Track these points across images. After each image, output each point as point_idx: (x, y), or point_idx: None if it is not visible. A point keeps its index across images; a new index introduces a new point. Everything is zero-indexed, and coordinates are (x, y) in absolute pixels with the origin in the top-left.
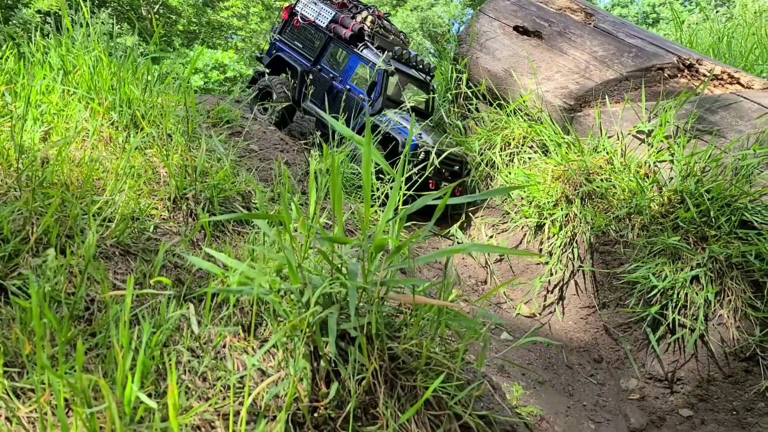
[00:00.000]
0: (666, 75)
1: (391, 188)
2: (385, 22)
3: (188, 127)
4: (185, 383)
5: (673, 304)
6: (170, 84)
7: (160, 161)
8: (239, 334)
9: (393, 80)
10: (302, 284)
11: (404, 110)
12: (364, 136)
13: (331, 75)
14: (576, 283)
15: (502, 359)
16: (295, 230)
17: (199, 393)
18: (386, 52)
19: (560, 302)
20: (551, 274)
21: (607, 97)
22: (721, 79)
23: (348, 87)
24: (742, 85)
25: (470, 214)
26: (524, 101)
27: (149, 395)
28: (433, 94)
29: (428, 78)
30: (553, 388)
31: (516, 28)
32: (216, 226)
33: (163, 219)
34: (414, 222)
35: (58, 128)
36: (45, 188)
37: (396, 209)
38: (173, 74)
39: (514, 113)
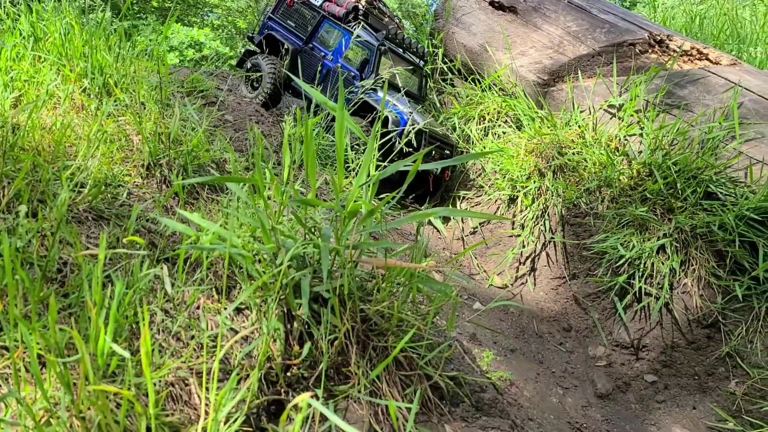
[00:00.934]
0: (637, 50)
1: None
2: (379, 3)
3: (161, 94)
4: (159, 342)
5: (640, 274)
6: (143, 52)
7: (134, 128)
8: (213, 296)
9: (386, 61)
10: (276, 246)
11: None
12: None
13: (323, 53)
14: (547, 255)
15: (475, 325)
16: (270, 198)
17: (173, 352)
18: (380, 32)
19: (532, 273)
20: (523, 246)
21: (579, 72)
22: (691, 54)
23: (340, 65)
24: (711, 61)
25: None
26: (499, 76)
27: (130, 354)
28: (427, 78)
29: (421, 62)
30: (523, 356)
31: (491, 3)
32: (190, 193)
33: (137, 185)
34: (401, 203)
35: (29, 95)
36: (16, 153)
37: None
38: (146, 41)
39: (489, 88)
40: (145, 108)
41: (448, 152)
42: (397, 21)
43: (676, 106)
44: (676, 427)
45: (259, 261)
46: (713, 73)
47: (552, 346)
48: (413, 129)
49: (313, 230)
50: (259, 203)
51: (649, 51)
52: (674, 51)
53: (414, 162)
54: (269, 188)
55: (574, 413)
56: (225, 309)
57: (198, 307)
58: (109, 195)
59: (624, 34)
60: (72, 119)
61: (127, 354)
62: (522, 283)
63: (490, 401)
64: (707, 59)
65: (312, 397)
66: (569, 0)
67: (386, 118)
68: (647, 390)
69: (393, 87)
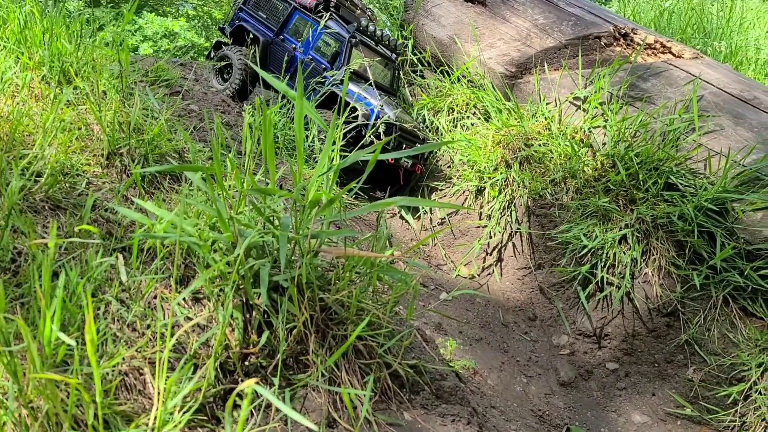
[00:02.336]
0: (602, 43)
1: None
2: None
3: (122, 83)
4: (113, 331)
5: (603, 264)
6: (105, 39)
7: (94, 117)
8: (171, 286)
9: (357, 53)
10: (234, 236)
11: (368, 84)
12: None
13: (294, 45)
14: (513, 245)
15: (441, 315)
16: (231, 188)
17: (127, 341)
18: (351, 24)
19: (498, 264)
20: (490, 237)
21: (546, 64)
22: (654, 48)
23: (310, 57)
24: (674, 55)
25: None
26: (468, 68)
27: (76, 342)
28: (399, 72)
29: (394, 55)
30: (488, 345)
31: None
32: (152, 182)
33: (96, 175)
34: (372, 197)
35: None
36: None
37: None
38: (109, 29)
39: (458, 80)
40: (106, 97)
41: (419, 146)
42: (370, 13)
43: (639, 98)
44: (635, 414)
45: (216, 251)
46: (675, 66)
47: (517, 335)
48: (381, 122)
49: (272, 219)
50: (218, 192)
51: (614, 44)
52: (638, 44)
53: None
54: (231, 178)
55: (537, 401)
56: (183, 299)
57: (155, 297)
58: (67, 185)
59: (590, 27)
60: (30, 108)
61: (72, 342)
62: (489, 274)
63: (450, 389)
64: (670, 53)
65: (268, 385)
66: None
67: (355, 110)
68: (609, 378)
69: (364, 79)
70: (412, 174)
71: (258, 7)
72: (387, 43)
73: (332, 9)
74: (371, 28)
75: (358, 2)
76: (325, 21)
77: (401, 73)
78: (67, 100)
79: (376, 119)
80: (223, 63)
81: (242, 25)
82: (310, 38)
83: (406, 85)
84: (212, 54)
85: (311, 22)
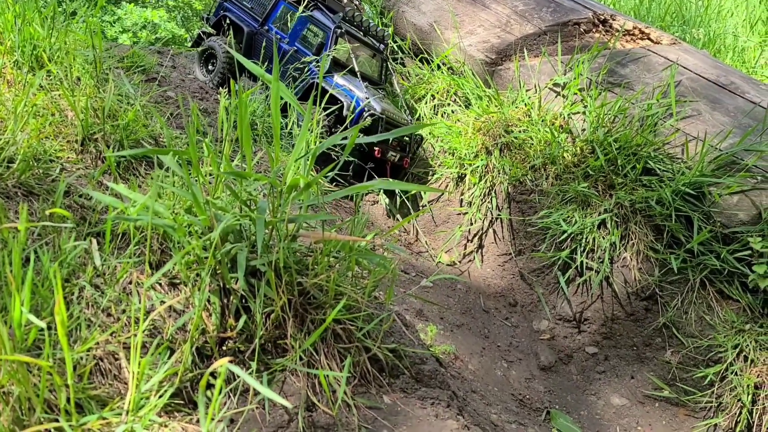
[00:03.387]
0: (582, 30)
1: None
2: None
3: (96, 68)
4: (87, 316)
5: (582, 249)
6: (78, 24)
7: (67, 103)
8: (147, 271)
9: (343, 43)
10: (210, 220)
11: (354, 75)
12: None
13: (279, 36)
14: (494, 232)
15: (422, 301)
16: (208, 173)
17: (102, 326)
18: (337, 14)
19: (479, 250)
20: (471, 224)
21: (526, 50)
22: (633, 34)
23: (295, 48)
24: (652, 41)
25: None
26: (448, 55)
27: (49, 328)
28: (388, 63)
29: (382, 46)
30: (469, 331)
31: None
32: (127, 168)
33: (70, 160)
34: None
35: None
36: None
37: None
38: (82, 12)
39: (439, 67)
40: (80, 82)
41: (407, 139)
42: (357, 3)
43: (617, 84)
44: (614, 397)
45: (192, 234)
46: (653, 52)
47: (498, 321)
48: (367, 114)
49: (248, 204)
50: (194, 177)
51: (593, 30)
52: (617, 30)
53: (371, 140)
54: (207, 163)
55: (517, 385)
56: (159, 284)
57: (130, 282)
58: (40, 170)
59: (569, 14)
60: (2, 93)
61: (42, 324)
62: (469, 260)
63: (430, 373)
64: (649, 39)
65: (245, 369)
66: None
67: (339, 102)
68: (588, 361)
69: (349, 71)
70: (400, 168)
71: None
72: (375, 33)
73: None
74: (358, 17)
75: None
76: (303, 8)
77: (389, 64)
78: (40, 86)
79: (361, 111)
80: (207, 53)
81: (226, 15)
82: (296, 29)
83: (394, 78)
84: (200, 45)
85: (296, 12)
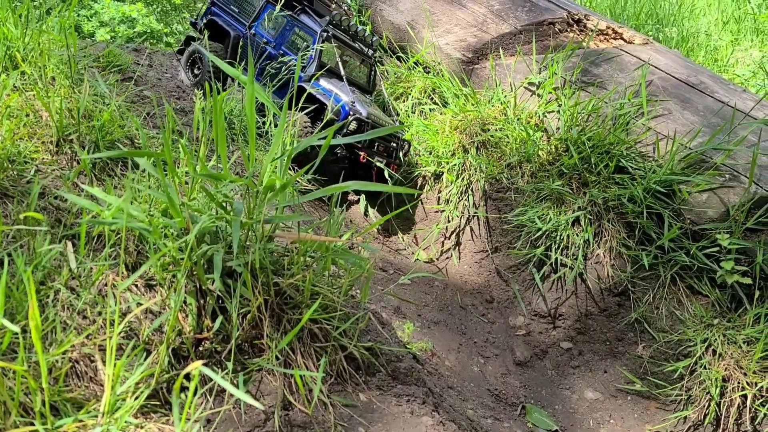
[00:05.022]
0: (556, 29)
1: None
2: None
3: (71, 68)
4: (63, 319)
5: (556, 246)
6: (52, 22)
7: (42, 104)
8: (123, 273)
9: (330, 47)
10: (186, 221)
11: (340, 79)
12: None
13: (265, 40)
14: (471, 229)
15: (399, 299)
16: (184, 174)
17: (80, 329)
18: (324, 18)
19: (456, 247)
20: (448, 221)
21: (501, 50)
22: (606, 34)
23: (281, 52)
24: (625, 40)
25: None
26: (425, 54)
27: (23, 331)
28: (376, 68)
29: (370, 51)
30: (446, 327)
31: None
32: (103, 169)
33: (45, 162)
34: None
35: None
36: None
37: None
38: (56, 12)
39: (416, 66)
40: (54, 82)
41: (394, 145)
42: (345, 8)
43: (591, 83)
44: (588, 390)
45: (167, 236)
46: (626, 52)
47: (475, 317)
48: (352, 119)
49: (224, 205)
50: (170, 178)
51: (568, 30)
52: (591, 30)
53: (351, 140)
54: (184, 163)
55: (493, 380)
56: (135, 285)
57: (106, 284)
58: (14, 172)
59: (544, 13)
60: None
61: (17, 329)
62: (447, 258)
63: (406, 370)
64: (622, 38)
65: (221, 369)
66: None
67: (324, 106)
68: (563, 356)
69: (337, 76)
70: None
71: (230, 0)
72: (363, 38)
73: (305, 2)
74: (345, 21)
75: None
76: (289, 12)
77: (377, 69)
78: (14, 86)
79: (346, 115)
80: (192, 57)
81: (213, 19)
82: (282, 33)
83: (383, 85)
84: (187, 49)
85: (283, 17)
